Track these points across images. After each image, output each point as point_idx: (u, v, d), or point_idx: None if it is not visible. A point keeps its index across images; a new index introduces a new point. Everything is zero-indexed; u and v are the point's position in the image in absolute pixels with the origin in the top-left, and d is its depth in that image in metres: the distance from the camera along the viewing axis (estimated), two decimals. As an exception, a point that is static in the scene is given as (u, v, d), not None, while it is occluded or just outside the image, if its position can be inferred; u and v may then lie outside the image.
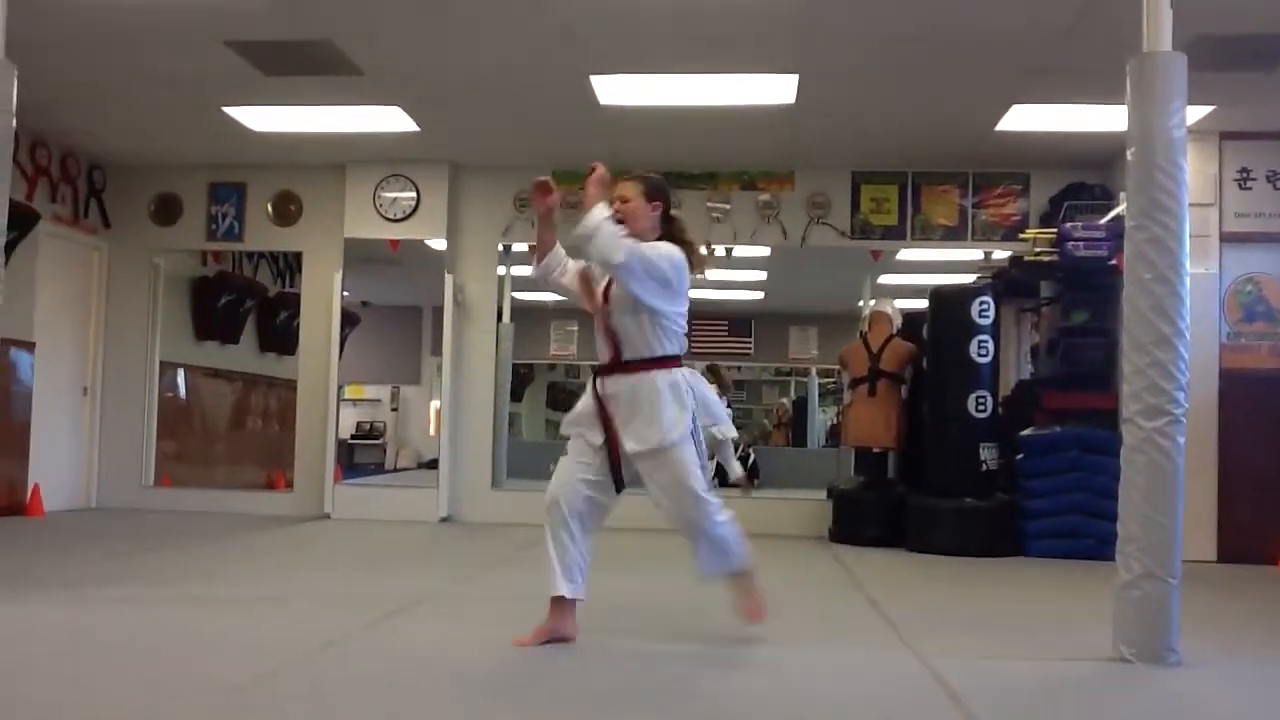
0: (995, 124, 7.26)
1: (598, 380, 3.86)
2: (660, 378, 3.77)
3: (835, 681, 3.46)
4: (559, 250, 3.98)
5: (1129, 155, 4.00)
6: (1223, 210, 7.40)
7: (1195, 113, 6.88)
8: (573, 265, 3.99)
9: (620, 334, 3.80)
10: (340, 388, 9.29)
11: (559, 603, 3.83)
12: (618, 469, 3.81)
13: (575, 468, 3.86)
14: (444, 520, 8.57)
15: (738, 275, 11.51)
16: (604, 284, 3.85)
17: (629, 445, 3.76)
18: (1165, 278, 3.90)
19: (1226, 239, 7.40)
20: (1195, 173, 7.25)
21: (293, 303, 9.85)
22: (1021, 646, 4.22)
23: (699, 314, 14.36)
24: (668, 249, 3.77)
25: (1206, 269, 7.27)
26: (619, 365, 3.81)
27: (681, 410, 3.75)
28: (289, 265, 11.00)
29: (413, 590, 5.07)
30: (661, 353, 3.80)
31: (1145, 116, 3.97)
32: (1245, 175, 7.44)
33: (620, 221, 3.71)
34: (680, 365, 3.84)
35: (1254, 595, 5.91)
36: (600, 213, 3.68)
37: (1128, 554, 3.91)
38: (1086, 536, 6.99)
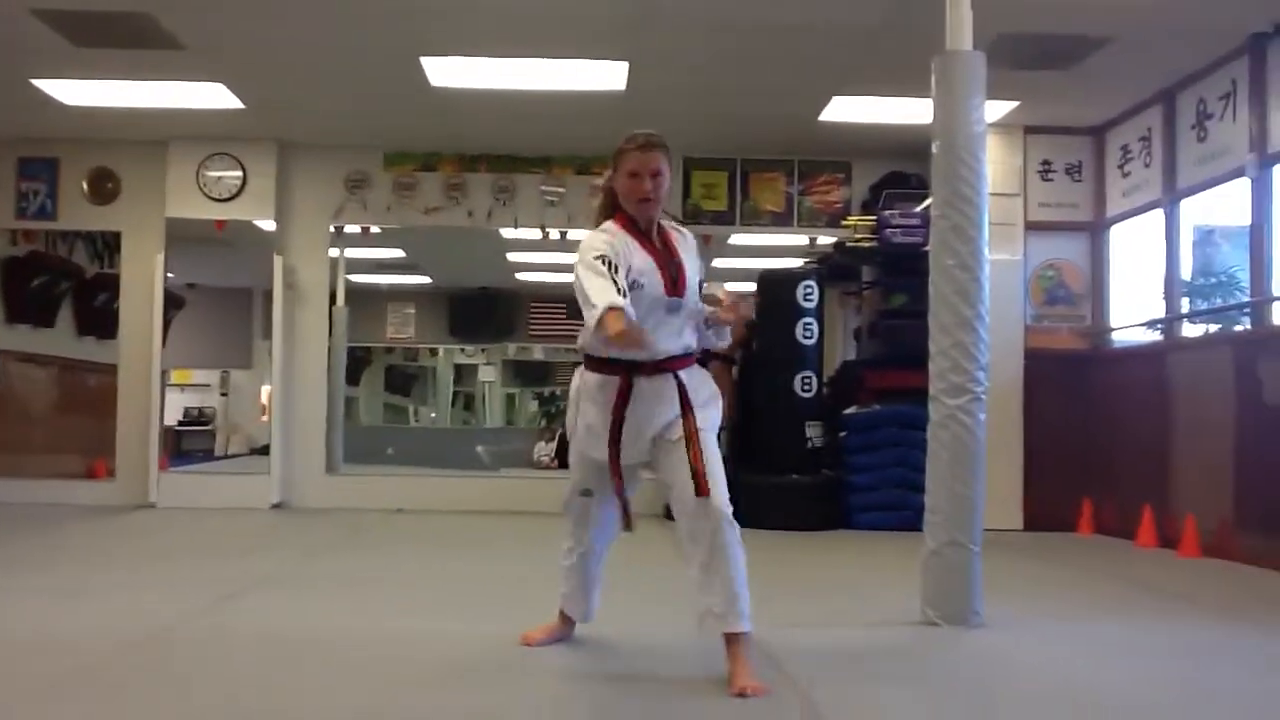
0: (818, 114, 7.52)
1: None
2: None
3: (667, 652, 3.58)
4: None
5: (934, 148, 4.25)
6: (1027, 200, 7.87)
7: (1001, 107, 7.29)
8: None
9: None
10: (166, 372, 8.98)
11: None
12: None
13: None
14: (276, 507, 8.40)
15: (574, 258, 11.59)
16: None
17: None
18: (967, 264, 4.16)
19: (1030, 227, 7.87)
20: (1001, 164, 7.70)
21: (112, 284, 9.45)
22: (839, 614, 4.44)
23: (537, 297, 14.50)
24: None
25: (1012, 255, 7.73)
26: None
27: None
28: (108, 245, 10.51)
29: (240, 577, 4.98)
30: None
31: (948, 112, 4.21)
32: (1047, 168, 7.91)
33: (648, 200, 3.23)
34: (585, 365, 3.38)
35: (1055, 560, 6.32)
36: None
37: (933, 523, 4.16)
38: (906, 509, 7.30)
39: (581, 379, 3.32)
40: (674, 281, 3.21)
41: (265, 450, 8.99)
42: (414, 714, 2.85)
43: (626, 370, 3.18)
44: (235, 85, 7.24)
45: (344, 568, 5.60)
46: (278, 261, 8.57)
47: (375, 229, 9.15)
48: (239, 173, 8.55)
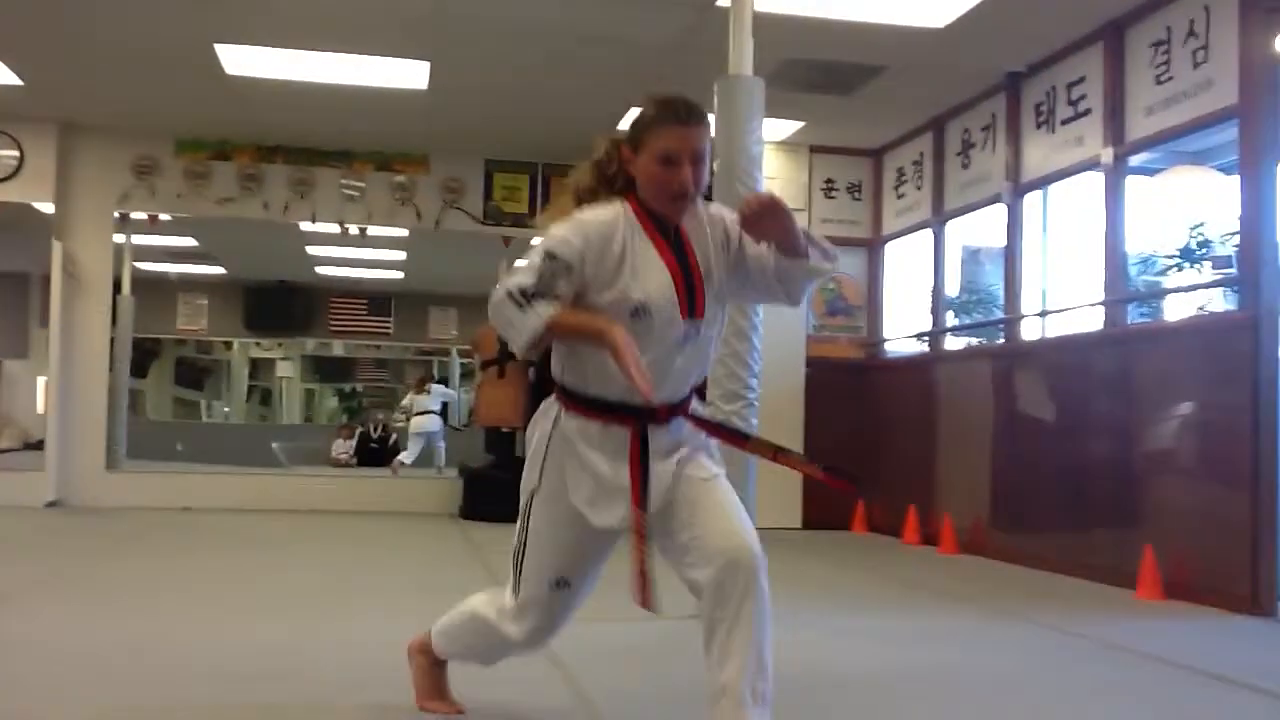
0: (617, 123, 7.71)
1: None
2: None
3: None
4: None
5: (715, 167, 4.46)
6: (811, 216, 8.30)
7: (788, 126, 7.68)
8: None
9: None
10: (-73, 361, 8.47)
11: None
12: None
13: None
14: (51, 505, 8.03)
15: (376, 254, 11.50)
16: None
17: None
18: (742, 278, 4.38)
19: (814, 242, 8.28)
20: (789, 181, 8.12)
21: None
22: (617, 609, 4.60)
23: (338, 291, 14.28)
24: None
25: (796, 268, 8.12)
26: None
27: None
28: None
29: (5, 582, 4.78)
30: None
31: (729, 133, 4.43)
32: (830, 185, 8.38)
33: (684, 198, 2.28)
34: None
35: (827, 557, 6.69)
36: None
37: (707, 523, 4.37)
38: (693, 508, 7.59)
39: (560, 422, 2.36)
40: (691, 298, 2.29)
41: (40, 445, 8.59)
42: None
43: (636, 418, 2.28)
44: (12, 61, 6.91)
45: (120, 571, 5.43)
46: (57, 247, 8.20)
47: (165, 217, 8.87)
48: (16, 152, 8.17)
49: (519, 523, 2.43)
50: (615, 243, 2.24)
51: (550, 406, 2.40)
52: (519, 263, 2.26)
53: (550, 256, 2.20)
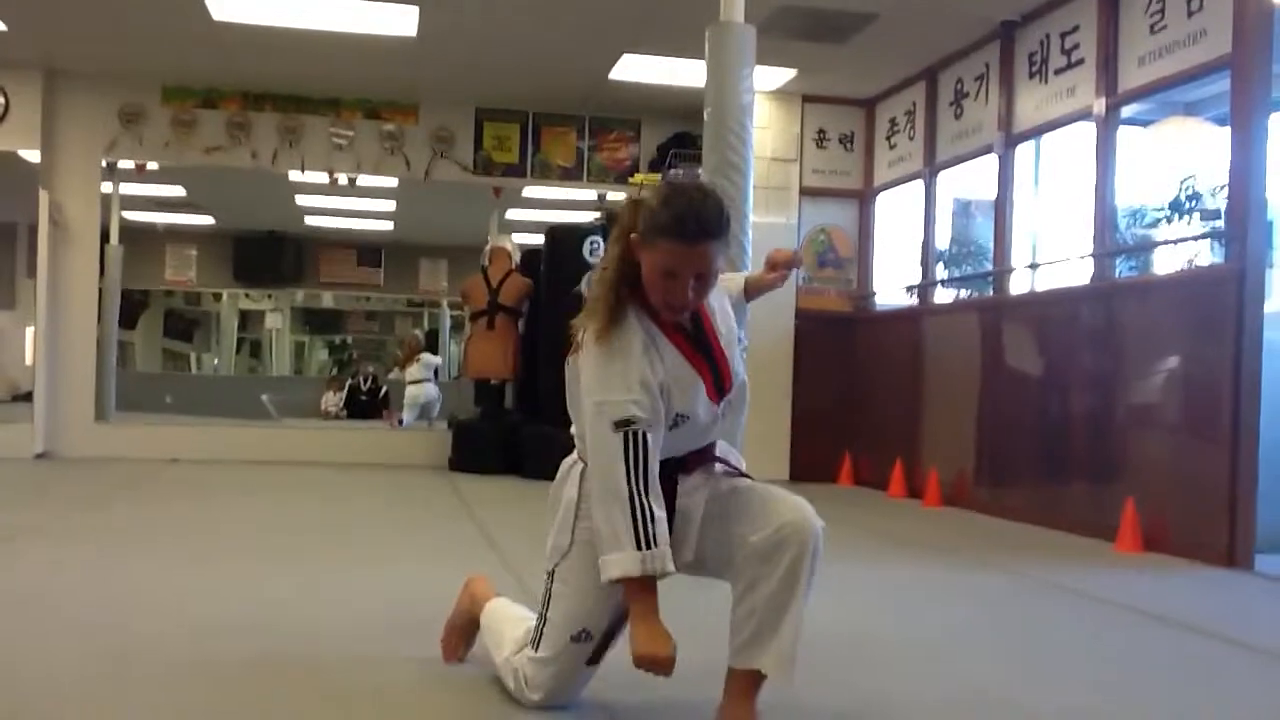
0: (608, 71, 7.65)
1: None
2: None
3: (432, 598, 3.67)
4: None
5: (706, 115, 4.43)
6: (802, 166, 8.26)
7: (782, 75, 7.62)
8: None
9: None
10: (-87, 311, 8.43)
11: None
12: None
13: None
14: (40, 457, 8.03)
15: (365, 204, 11.42)
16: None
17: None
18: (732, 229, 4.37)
19: (805, 192, 8.27)
20: (781, 131, 8.08)
21: None
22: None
23: (328, 242, 14.21)
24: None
25: (787, 219, 8.11)
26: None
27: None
28: None
29: (-7, 526, 4.80)
30: None
31: (719, 81, 4.40)
32: (822, 136, 8.32)
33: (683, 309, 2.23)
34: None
35: (816, 510, 6.72)
36: None
37: (694, 474, 4.39)
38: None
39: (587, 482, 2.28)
40: (719, 382, 2.27)
41: (29, 397, 8.58)
42: (156, 672, 2.85)
43: (666, 472, 2.24)
44: (-6, 5, 6.82)
45: (107, 522, 5.44)
46: (43, 196, 8.14)
47: (152, 165, 8.80)
48: (0, 99, 8.06)
49: (545, 585, 2.37)
50: (654, 369, 2.17)
51: (573, 468, 2.38)
52: (590, 423, 2.16)
53: (636, 437, 2.11)
